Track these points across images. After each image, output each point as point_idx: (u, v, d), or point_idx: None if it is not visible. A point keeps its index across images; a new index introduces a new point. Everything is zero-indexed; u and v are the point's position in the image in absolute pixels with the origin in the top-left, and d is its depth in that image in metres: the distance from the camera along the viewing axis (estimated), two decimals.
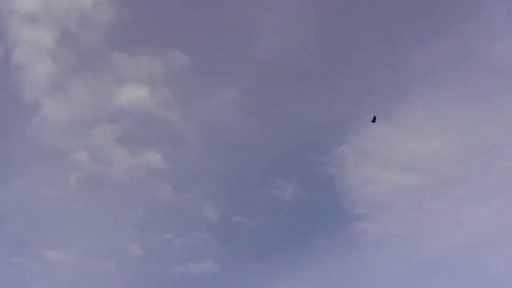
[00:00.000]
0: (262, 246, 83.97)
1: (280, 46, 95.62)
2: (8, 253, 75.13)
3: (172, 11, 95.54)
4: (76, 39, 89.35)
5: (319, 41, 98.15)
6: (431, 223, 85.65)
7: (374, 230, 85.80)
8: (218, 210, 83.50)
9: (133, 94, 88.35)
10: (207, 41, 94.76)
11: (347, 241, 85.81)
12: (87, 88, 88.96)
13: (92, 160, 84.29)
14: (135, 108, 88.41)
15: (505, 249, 78.35)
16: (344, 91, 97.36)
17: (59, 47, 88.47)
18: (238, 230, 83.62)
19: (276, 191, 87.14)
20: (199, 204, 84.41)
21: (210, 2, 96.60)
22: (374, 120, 43.66)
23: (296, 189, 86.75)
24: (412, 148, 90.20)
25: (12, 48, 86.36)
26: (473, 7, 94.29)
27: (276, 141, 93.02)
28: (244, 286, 78.70)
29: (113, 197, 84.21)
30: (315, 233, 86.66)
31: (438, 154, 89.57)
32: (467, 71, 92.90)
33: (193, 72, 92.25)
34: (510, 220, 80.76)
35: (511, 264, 76.66)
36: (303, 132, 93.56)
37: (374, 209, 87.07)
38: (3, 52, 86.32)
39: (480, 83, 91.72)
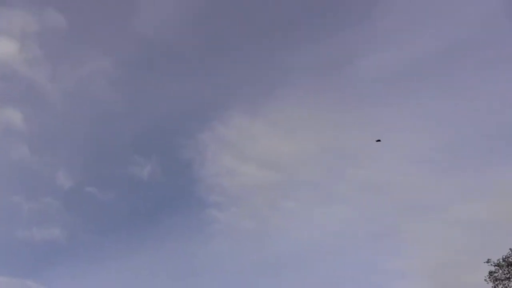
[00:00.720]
0: (112, 221, 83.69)
1: (161, 26, 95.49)
2: None
3: None
4: None
5: (200, 29, 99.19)
6: (281, 220, 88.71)
7: (226, 220, 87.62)
8: (72, 178, 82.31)
9: (1, 48, 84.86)
10: (87, 6, 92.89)
11: (198, 227, 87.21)
12: None
13: None
14: (0, 62, 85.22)
15: (346, 250, 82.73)
16: (216, 80, 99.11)
17: None
18: (90, 202, 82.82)
19: (133, 168, 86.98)
20: (54, 170, 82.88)
21: None
22: (378, 140, 44.90)
23: (154, 168, 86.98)
24: (273, 145, 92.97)
25: None
26: (353, 21, 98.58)
27: (141, 118, 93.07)
28: (89, 258, 77.96)
29: None
30: (167, 214, 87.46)
31: (296, 155, 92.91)
32: (338, 80, 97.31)
33: (68, 35, 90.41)
34: (355, 224, 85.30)
35: (350, 264, 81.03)
36: (169, 113, 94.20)
37: (228, 199, 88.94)
38: None
39: (347, 93, 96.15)
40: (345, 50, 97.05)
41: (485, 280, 40.03)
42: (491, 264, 40.12)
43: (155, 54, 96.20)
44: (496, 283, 39.44)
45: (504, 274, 39.29)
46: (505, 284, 39.12)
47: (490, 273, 40.04)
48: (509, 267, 39.34)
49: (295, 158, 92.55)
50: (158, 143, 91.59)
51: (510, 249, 39.61)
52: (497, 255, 39.99)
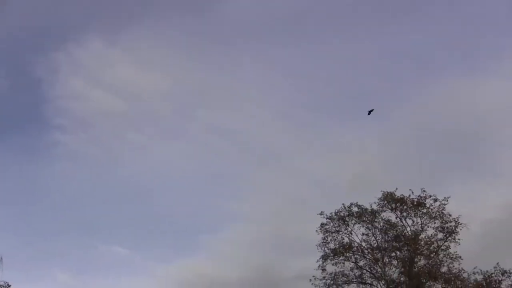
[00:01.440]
0: None
1: None
2: None
3: None
4: None
5: None
6: (127, 149, 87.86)
7: (70, 144, 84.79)
8: None
9: None
10: None
11: (39, 148, 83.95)
12: None
13: None
14: None
15: (187, 188, 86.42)
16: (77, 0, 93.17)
17: None
18: None
19: None
20: None
21: None
22: (369, 113, 41.98)
23: (1, 82, 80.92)
24: (128, 75, 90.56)
25: None
26: None
27: None
28: None
29: None
30: (9, 132, 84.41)
31: (150, 88, 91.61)
32: (205, 19, 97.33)
33: None
34: (199, 164, 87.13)
35: (190, 202, 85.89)
36: (23, 27, 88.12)
37: (75, 124, 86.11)
38: None
39: (213, 34, 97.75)
40: None
41: (316, 231, 42.34)
42: (324, 217, 42.33)
43: None
44: (326, 234, 41.87)
45: (335, 227, 41.80)
46: (334, 236, 41.77)
47: (322, 225, 42.29)
48: (340, 220, 41.92)
49: (148, 91, 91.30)
50: (9, 56, 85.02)
51: (342, 204, 42.20)
52: (331, 209, 42.56)
